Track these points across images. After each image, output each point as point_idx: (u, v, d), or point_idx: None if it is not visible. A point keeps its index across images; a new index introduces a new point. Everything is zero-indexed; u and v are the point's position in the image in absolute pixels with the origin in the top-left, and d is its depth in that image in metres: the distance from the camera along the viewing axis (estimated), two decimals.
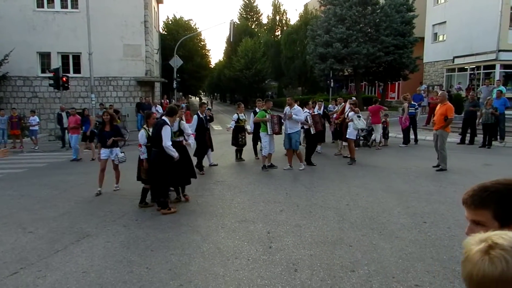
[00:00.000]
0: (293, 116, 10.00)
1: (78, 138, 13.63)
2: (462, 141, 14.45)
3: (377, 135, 13.78)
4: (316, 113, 11.41)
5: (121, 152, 8.43)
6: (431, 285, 4.08)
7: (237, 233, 5.75)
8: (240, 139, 11.64)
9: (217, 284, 4.20)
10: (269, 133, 10.28)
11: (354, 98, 12.78)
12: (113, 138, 8.26)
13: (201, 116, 10.36)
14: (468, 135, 14.42)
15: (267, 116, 10.37)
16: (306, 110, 11.15)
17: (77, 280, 4.35)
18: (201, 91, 74.18)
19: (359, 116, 11.05)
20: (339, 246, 5.14)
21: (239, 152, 11.97)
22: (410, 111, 14.37)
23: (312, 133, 10.73)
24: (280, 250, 5.05)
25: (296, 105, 10.41)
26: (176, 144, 7.07)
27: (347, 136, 11.13)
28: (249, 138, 12.24)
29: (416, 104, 15.70)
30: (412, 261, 4.63)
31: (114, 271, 4.56)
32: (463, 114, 14.15)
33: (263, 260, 4.77)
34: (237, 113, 11.79)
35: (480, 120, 13.58)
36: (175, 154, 6.71)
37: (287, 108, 10.41)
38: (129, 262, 4.80)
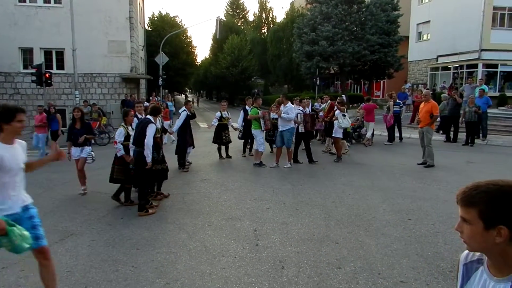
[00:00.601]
0: (283, 115, 10.01)
1: (44, 137, 13.18)
2: (448, 139, 14.72)
3: (369, 132, 14.09)
4: (308, 112, 11.23)
5: (92, 151, 8.07)
6: (416, 281, 4.13)
7: (224, 231, 5.73)
8: (224, 137, 11.61)
9: (204, 282, 4.19)
10: (262, 129, 10.62)
11: (343, 97, 12.81)
12: (85, 136, 7.86)
13: (188, 113, 10.34)
14: (451, 133, 14.67)
15: (259, 113, 10.64)
16: (299, 107, 11.10)
17: (62, 279, 4.27)
18: (187, 89, 73.77)
19: (344, 115, 11.15)
20: (325, 243, 5.17)
21: (225, 149, 11.93)
22: (395, 109, 14.52)
23: (300, 131, 10.64)
24: (267, 248, 5.06)
25: (289, 103, 10.34)
26: (154, 141, 7.03)
27: (333, 135, 11.26)
28: (235, 135, 12.23)
29: (401, 103, 15.88)
30: (398, 258, 4.69)
31: (99, 270, 4.50)
32: (447, 112, 14.37)
33: (250, 258, 4.76)
34: (220, 111, 11.79)
35: (463, 119, 13.82)
36: (149, 159, 6.51)
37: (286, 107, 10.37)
38: (114, 261, 4.74)
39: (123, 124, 7.33)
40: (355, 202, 7.09)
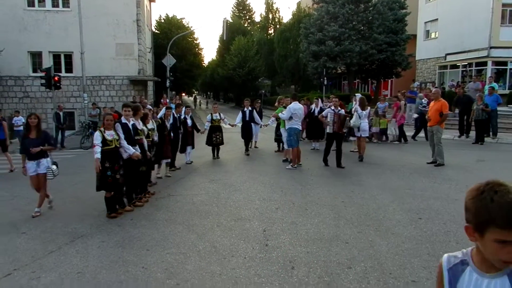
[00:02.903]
0: (280, 114, 10.27)
1: None
2: (462, 133, 14.92)
3: (395, 130, 14.62)
4: (340, 112, 10.32)
5: (53, 164, 6.97)
6: (428, 280, 4.09)
7: (233, 231, 5.72)
8: (214, 138, 11.88)
9: (214, 283, 4.18)
10: (286, 128, 10.49)
11: (360, 95, 12.64)
12: (41, 147, 6.65)
13: (175, 115, 10.45)
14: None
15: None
16: (331, 106, 10.54)
17: (72, 281, 4.30)
18: (194, 90, 74.00)
19: (359, 114, 11.08)
20: (335, 243, 5.14)
21: (216, 150, 12.16)
22: (420, 108, 14.62)
23: (328, 131, 10.37)
24: (276, 248, 5.04)
25: (294, 102, 10.21)
26: (137, 142, 7.19)
27: (359, 134, 11.31)
28: (227, 136, 12.49)
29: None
30: (409, 257, 4.64)
31: (109, 271, 4.51)
32: (459, 108, 14.51)
33: (260, 258, 4.75)
34: (211, 113, 12.16)
35: (473, 116, 13.71)
36: (126, 153, 6.67)
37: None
38: (124, 262, 4.75)
39: (101, 128, 6.64)
40: (365, 201, 7.04)
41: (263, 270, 4.42)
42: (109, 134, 6.49)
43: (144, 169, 7.51)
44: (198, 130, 11.62)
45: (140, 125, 7.46)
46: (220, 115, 12.19)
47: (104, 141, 6.39)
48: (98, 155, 6.29)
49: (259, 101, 14.71)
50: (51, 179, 6.97)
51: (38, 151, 6.61)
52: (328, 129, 10.26)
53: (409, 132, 15.29)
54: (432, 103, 10.35)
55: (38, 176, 6.76)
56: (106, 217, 6.51)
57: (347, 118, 10.25)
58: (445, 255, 1.51)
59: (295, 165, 10.18)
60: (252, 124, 12.99)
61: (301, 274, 4.30)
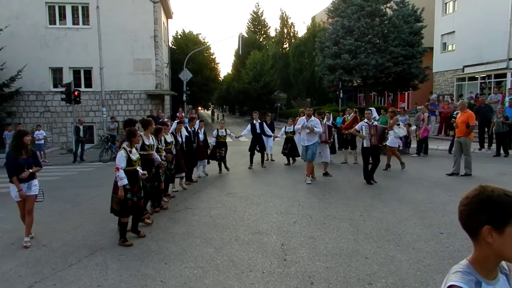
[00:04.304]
0: (315, 129, 9.80)
1: None
2: (482, 145, 14.67)
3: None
4: (374, 124, 9.78)
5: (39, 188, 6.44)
6: None
7: (251, 245, 5.69)
8: (218, 153, 11.94)
9: None
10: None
11: (393, 108, 12.69)
12: (30, 170, 6.11)
13: (189, 129, 10.54)
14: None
15: None
16: (364, 120, 10.02)
17: None
18: (210, 104, 74.61)
19: (398, 124, 11.13)
20: (355, 258, 5.06)
21: (220, 165, 12.15)
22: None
23: (365, 145, 9.67)
24: (295, 263, 4.98)
25: (313, 116, 10.16)
26: (145, 157, 6.84)
27: (388, 144, 11.35)
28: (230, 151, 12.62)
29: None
30: (431, 273, 4.53)
31: (128, 285, 4.52)
32: (478, 120, 14.28)
33: (278, 273, 4.70)
34: (217, 129, 12.21)
35: (493, 129, 13.50)
36: (120, 183, 5.83)
37: (303, 120, 10.13)
38: (143, 276, 4.76)
39: (125, 145, 6.14)
40: (384, 215, 6.93)
41: (282, 285, 4.37)
42: (134, 153, 6.16)
43: (155, 184, 7.36)
44: (208, 146, 11.70)
45: (148, 141, 7.11)
46: (226, 131, 12.26)
47: (129, 161, 5.96)
48: (125, 181, 5.84)
49: (269, 114, 14.76)
50: (41, 201, 6.55)
51: (28, 175, 6.07)
52: (365, 143, 9.63)
53: (433, 145, 15.18)
54: (459, 115, 10.53)
55: (29, 198, 6.17)
56: (118, 245, 5.91)
57: (386, 131, 9.76)
58: (456, 284, 1.40)
59: (311, 177, 10.18)
60: (264, 137, 13.02)
61: None
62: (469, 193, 1.45)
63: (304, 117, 10.30)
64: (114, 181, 5.98)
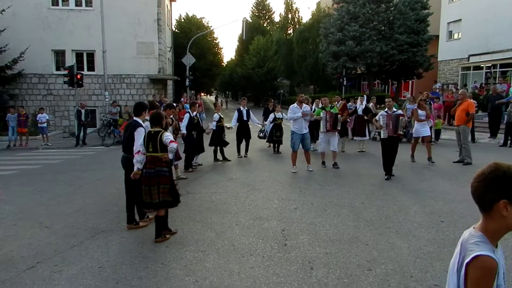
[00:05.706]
0: (288, 115, 9.74)
1: None
2: (495, 134, 14.69)
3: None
4: (393, 113, 9.07)
5: None
6: None
7: (252, 230, 5.71)
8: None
9: (232, 281, 4.17)
10: (321, 130, 10.23)
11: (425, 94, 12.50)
12: None
13: (192, 115, 10.16)
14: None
15: (321, 114, 10.17)
16: (385, 110, 9.36)
17: (93, 275, 4.36)
18: (213, 89, 74.34)
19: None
20: (355, 245, 5.08)
21: (221, 152, 11.74)
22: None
23: (382, 137, 9.14)
24: (295, 248, 5.01)
25: (305, 104, 10.06)
26: None
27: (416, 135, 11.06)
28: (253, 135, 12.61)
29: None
30: (431, 261, 4.55)
31: (129, 267, 4.56)
32: (488, 109, 14.20)
33: (278, 258, 4.73)
34: (217, 113, 11.65)
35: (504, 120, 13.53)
36: (136, 166, 5.41)
37: (296, 107, 9.78)
38: (144, 258, 4.80)
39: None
40: (385, 203, 6.94)
41: (282, 270, 4.40)
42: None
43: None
44: (203, 131, 10.91)
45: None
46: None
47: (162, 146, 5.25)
48: (140, 165, 5.39)
49: (272, 100, 14.58)
50: None
51: None
52: (382, 134, 9.10)
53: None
54: (458, 103, 10.56)
55: None
56: (154, 242, 5.29)
57: (401, 118, 9.00)
58: (485, 253, 1.46)
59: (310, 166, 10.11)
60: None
61: (320, 275, 4.26)
62: (484, 170, 1.56)
63: (295, 104, 9.81)
64: (149, 173, 5.21)
